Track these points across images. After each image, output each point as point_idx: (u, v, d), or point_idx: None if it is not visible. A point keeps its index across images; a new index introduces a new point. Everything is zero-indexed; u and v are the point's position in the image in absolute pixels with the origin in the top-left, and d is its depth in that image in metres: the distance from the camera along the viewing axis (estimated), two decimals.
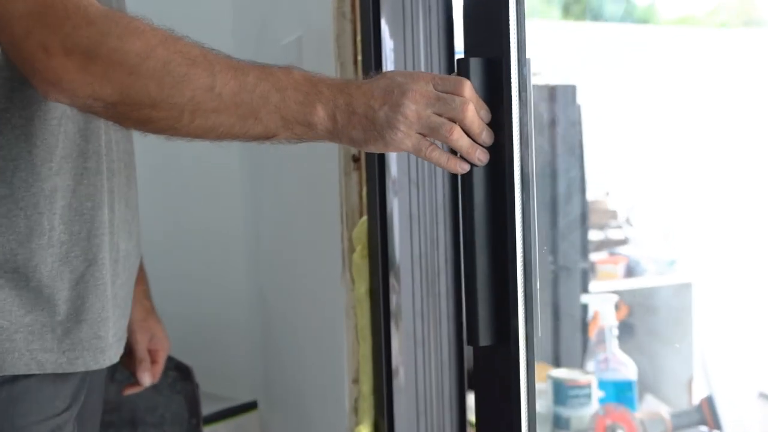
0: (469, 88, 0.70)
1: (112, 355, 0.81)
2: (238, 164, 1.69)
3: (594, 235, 1.61)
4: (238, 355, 1.71)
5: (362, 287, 1.02)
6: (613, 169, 1.50)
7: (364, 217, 1.03)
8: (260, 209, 1.61)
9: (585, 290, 1.52)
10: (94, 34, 0.65)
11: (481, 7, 0.73)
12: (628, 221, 1.66)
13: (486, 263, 0.73)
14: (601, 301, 1.40)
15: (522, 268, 0.72)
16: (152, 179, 1.66)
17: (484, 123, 0.70)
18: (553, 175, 1.46)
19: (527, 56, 0.71)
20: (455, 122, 0.69)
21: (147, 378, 1.01)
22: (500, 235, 0.72)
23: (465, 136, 0.70)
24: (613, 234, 1.64)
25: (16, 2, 0.65)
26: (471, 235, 0.72)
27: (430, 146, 0.70)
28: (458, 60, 0.73)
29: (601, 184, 1.58)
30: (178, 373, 1.37)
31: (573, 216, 1.49)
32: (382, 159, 0.98)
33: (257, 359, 1.66)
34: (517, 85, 0.70)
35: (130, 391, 1.04)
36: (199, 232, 1.72)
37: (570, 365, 1.44)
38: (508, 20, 0.70)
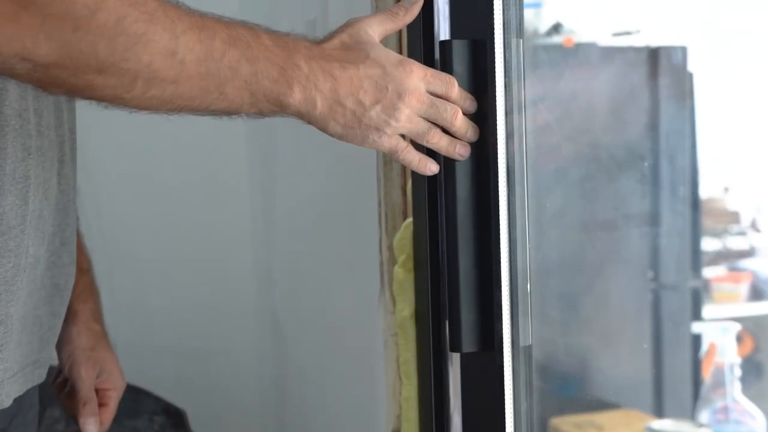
0: (457, 89, 0.81)
1: (2, 395, 0.79)
2: (246, 152, 1.70)
3: (709, 245, 1.58)
4: (245, 397, 1.72)
5: (406, 309, 1.02)
6: (735, 158, 1.47)
7: (409, 220, 1.03)
8: (273, 211, 1.62)
9: (697, 317, 1.49)
10: None
11: None
12: (754, 226, 1.62)
13: (470, 264, 0.85)
14: (718, 331, 1.38)
15: (508, 269, 0.84)
16: (134, 173, 1.68)
17: (469, 122, 0.82)
18: (654, 166, 1.44)
19: (519, 38, 0.83)
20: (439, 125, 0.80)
21: (92, 425, 0.99)
22: (486, 233, 0.84)
23: (445, 136, 0.81)
24: (735, 243, 1.61)
25: None
26: (453, 233, 0.84)
27: (406, 147, 0.80)
28: (441, 42, 0.85)
29: (718, 177, 1.55)
30: (168, 418, 1.38)
31: (680, 219, 1.47)
32: None
33: (269, 402, 1.67)
34: (502, 69, 0.82)
35: None
36: (194, 241, 1.73)
37: (677, 415, 1.42)
38: (491, 1, 0.82)
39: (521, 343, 0.85)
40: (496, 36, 0.82)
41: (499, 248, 0.83)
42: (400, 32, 1.03)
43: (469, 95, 0.83)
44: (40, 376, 0.88)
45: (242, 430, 1.70)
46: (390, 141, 0.79)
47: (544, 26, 1.43)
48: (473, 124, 0.82)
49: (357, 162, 1.15)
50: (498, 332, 0.84)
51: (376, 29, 0.80)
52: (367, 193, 1.12)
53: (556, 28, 1.40)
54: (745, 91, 1.31)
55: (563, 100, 1.31)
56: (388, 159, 1.07)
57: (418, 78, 0.78)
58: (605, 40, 1.41)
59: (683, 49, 1.42)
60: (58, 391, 1.03)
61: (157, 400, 1.38)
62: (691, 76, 1.43)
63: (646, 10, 1.35)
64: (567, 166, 1.30)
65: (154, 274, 1.69)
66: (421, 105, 0.78)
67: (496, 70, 0.82)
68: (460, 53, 0.83)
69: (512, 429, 0.84)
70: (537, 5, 1.43)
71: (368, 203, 1.11)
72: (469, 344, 0.84)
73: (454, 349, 0.86)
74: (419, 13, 0.88)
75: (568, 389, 1.35)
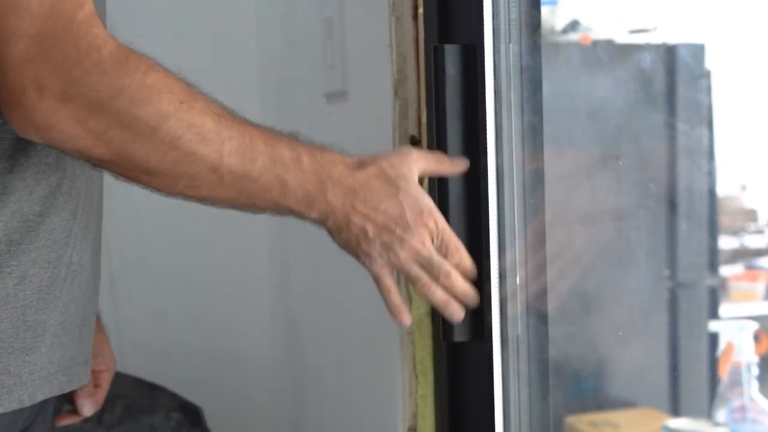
0: (463, 254, 0.86)
1: (24, 397, 0.81)
2: None
3: (726, 243, 1.58)
4: (261, 394, 1.72)
5: (422, 307, 1.02)
6: (753, 156, 1.47)
7: None
8: None
9: (714, 315, 1.49)
10: (104, 87, 0.70)
11: None
12: None
13: None
14: (735, 330, 1.37)
15: (497, 262, 0.89)
16: None
17: (467, 286, 0.86)
18: (671, 164, 1.44)
19: (509, 43, 0.88)
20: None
21: (89, 406, 1.03)
22: (477, 227, 0.89)
23: (440, 289, 0.85)
24: (752, 241, 1.61)
25: (23, 16, 0.68)
26: None
27: (391, 285, 0.85)
28: (434, 47, 0.90)
29: (735, 175, 1.55)
30: (184, 415, 1.39)
31: (697, 217, 1.47)
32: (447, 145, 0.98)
33: (285, 399, 1.67)
34: (492, 74, 0.87)
35: (65, 422, 1.05)
36: (210, 240, 1.74)
37: (693, 414, 1.41)
38: (482, 6, 0.87)
39: (510, 334, 0.89)
40: (485, 40, 0.87)
41: (489, 243, 0.88)
42: (417, 37, 1.04)
43: (467, 257, 0.86)
44: (85, 372, 0.91)
45: (258, 428, 1.70)
46: (380, 270, 0.85)
47: (560, 23, 1.43)
48: (472, 289, 0.87)
49: None
50: (488, 324, 0.89)
51: (420, 165, 0.85)
52: None
53: (573, 26, 1.40)
54: (763, 88, 1.31)
55: (578, 98, 1.31)
56: None
57: (428, 231, 0.84)
58: (622, 38, 1.41)
59: (701, 47, 1.41)
60: None
61: (174, 396, 1.38)
62: (708, 74, 1.42)
63: (663, 7, 1.34)
64: (582, 163, 1.30)
65: (170, 274, 1.69)
66: (418, 256, 0.84)
67: (486, 73, 0.87)
68: (452, 57, 0.88)
69: (502, 417, 0.90)
70: (553, 2, 1.43)
71: None
72: (460, 335, 0.89)
73: (446, 339, 0.91)
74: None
75: (583, 388, 1.35)
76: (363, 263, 0.86)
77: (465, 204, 0.90)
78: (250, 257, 1.74)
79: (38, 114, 0.69)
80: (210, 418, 1.42)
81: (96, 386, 1.04)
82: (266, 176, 0.79)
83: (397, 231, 0.83)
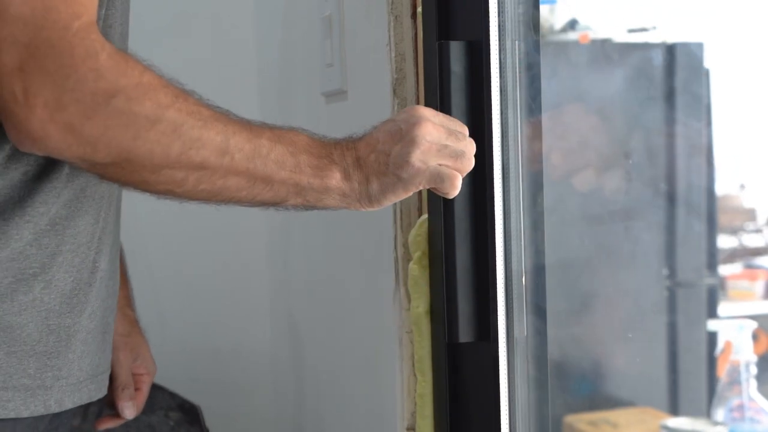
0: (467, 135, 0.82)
1: (51, 402, 0.81)
2: None
3: (724, 242, 1.58)
4: (260, 393, 1.72)
5: (421, 306, 1.02)
6: (752, 155, 1.47)
7: (424, 216, 1.03)
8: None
9: (712, 314, 1.49)
10: (101, 90, 0.68)
11: None
12: None
13: (467, 256, 0.89)
14: (733, 329, 1.37)
15: (503, 261, 0.88)
16: None
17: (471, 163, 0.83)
18: (670, 162, 1.44)
19: (515, 41, 0.87)
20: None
21: (130, 409, 1.03)
22: (482, 227, 0.88)
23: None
24: (750, 240, 1.61)
25: (15, 24, 0.67)
26: (451, 226, 0.88)
27: (452, 175, 0.80)
28: (439, 43, 0.88)
29: (734, 173, 1.55)
30: (183, 414, 1.38)
31: (695, 216, 1.47)
32: None
33: (284, 398, 1.68)
34: (498, 70, 0.86)
35: (106, 426, 1.06)
36: (209, 238, 1.74)
37: (692, 413, 1.41)
38: (487, 3, 0.85)
39: (516, 335, 0.89)
40: (491, 37, 0.86)
41: (495, 244, 0.87)
42: (416, 36, 1.04)
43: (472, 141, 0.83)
44: (107, 381, 0.91)
45: (258, 428, 1.71)
46: (427, 172, 0.80)
47: (559, 23, 1.43)
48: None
49: None
50: (493, 323, 0.88)
51: (429, 113, 0.81)
52: None
53: (572, 25, 1.40)
54: (763, 87, 1.31)
55: (578, 97, 1.31)
56: None
57: (431, 113, 0.81)
58: (621, 37, 1.41)
59: (700, 46, 1.42)
60: None
61: (173, 396, 1.38)
62: (707, 72, 1.43)
63: (662, 5, 1.34)
64: (581, 164, 1.30)
65: (170, 274, 1.69)
66: (438, 131, 0.80)
67: (492, 70, 0.86)
68: (457, 53, 0.87)
69: (507, 417, 0.89)
70: (552, 1, 1.43)
71: None
72: (465, 335, 0.89)
73: (451, 339, 0.90)
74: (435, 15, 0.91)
75: (582, 387, 1.35)
76: (411, 180, 0.80)
77: (471, 202, 0.89)
78: (250, 257, 1.74)
79: (31, 125, 0.68)
80: (209, 418, 1.42)
81: (136, 389, 1.05)
82: (277, 149, 0.76)
83: (403, 127, 0.79)
